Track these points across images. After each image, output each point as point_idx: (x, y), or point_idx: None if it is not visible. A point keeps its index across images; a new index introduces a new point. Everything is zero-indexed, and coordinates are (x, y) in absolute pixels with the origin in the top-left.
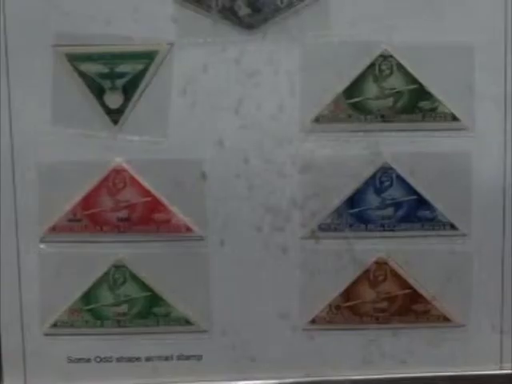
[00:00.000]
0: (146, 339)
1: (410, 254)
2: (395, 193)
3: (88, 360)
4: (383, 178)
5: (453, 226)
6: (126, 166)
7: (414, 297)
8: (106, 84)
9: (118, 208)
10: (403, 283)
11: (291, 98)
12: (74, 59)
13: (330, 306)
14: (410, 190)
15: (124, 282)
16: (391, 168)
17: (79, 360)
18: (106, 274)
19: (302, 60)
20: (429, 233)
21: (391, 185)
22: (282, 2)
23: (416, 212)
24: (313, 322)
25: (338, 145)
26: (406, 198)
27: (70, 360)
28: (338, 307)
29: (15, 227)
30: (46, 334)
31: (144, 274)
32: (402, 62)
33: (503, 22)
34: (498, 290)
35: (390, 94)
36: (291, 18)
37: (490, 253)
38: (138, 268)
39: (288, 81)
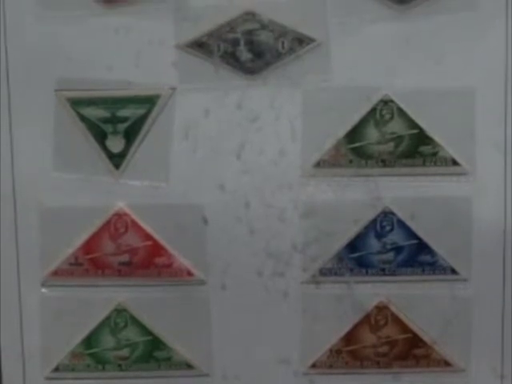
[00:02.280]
0: (148, 383)
1: (410, 298)
2: (396, 237)
3: None
4: (384, 222)
5: (453, 271)
6: (127, 210)
7: (415, 341)
8: (108, 128)
9: (119, 252)
10: (404, 327)
11: (292, 142)
12: (76, 104)
13: (330, 350)
14: (411, 234)
15: (125, 326)
16: (392, 212)
17: None
18: (108, 318)
19: (304, 105)
20: (429, 277)
21: (392, 229)
22: (283, 48)
23: (417, 256)
24: (313, 366)
25: (339, 189)
26: (407, 243)
27: None
28: (338, 351)
29: (17, 271)
30: (48, 378)
31: (145, 318)
32: (403, 106)
33: (504, 66)
34: (498, 334)
35: (390, 139)
36: (292, 63)
37: (491, 297)
38: (139, 312)
39: (289, 125)
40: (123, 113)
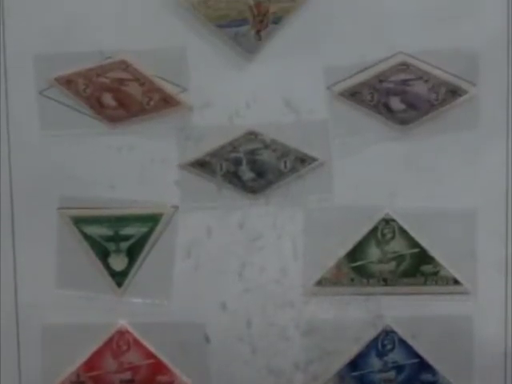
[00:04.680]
0: None
1: None
2: (397, 356)
3: None
4: (385, 341)
5: None
6: (129, 328)
7: None
8: (111, 247)
9: (121, 370)
10: None
11: (294, 261)
12: (79, 222)
13: None
14: (412, 353)
15: None
16: (393, 331)
17: None
18: None
19: (305, 224)
20: None
21: (393, 348)
22: (285, 167)
23: (418, 375)
24: None
25: (341, 308)
26: (408, 362)
27: None
28: None
29: None
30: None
31: None
32: (405, 226)
33: (504, 186)
34: None
35: (392, 258)
36: (294, 182)
37: None
38: None
39: (291, 244)
40: (126, 231)
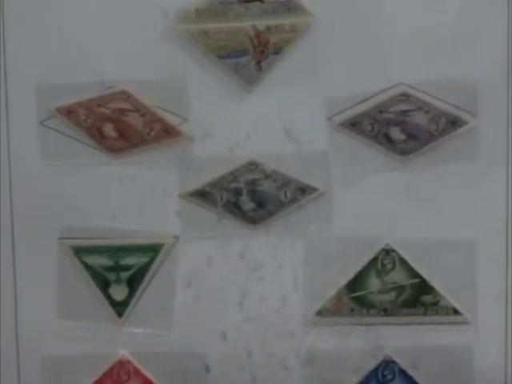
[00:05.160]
0: None
1: None
2: None
3: None
4: (385, 371)
5: None
6: (130, 357)
7: None
8: (111, 277)
9: None
10: None
11: (295, 291)
12: (80, 252)
13: None
14: (413, 383)
15: None
16: (393, 361)
17: None
18: None
19: (306, 254)
20: None
21: (393, 378)
22: (285, 197)
23: None
24: None
25: (341, 338)
26: None
27: None
28: None
29: None
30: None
31: None
32: (405, 256)
33: (504, 217)
34: None
35: (392, 288)
36: (295, 212)
37: None
38: None
39: (291, 274)
40: (127, 261)
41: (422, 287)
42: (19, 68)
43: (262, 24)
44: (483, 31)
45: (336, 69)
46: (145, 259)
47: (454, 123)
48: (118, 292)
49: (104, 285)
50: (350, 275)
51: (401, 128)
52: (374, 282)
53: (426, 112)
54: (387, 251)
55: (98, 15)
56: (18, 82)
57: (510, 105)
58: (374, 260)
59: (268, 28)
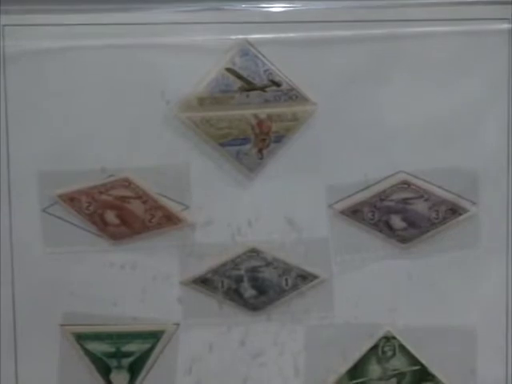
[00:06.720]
0: None
1: None
2: None
3: None
4: None
5: None
6: None
7: None
8: (112, 363)
9: None
10: None
11: (295, 378)
12: (81, 338)
13: None
14: None
15: None
16: None
17: None
18: None
19: (306, 340)
20: None
21: None
22: (286, 284)
23: None
24: None
25: None
26: None
27: None
28: None
29: None
30: None
31: None
32: (405, 343)
33: (504, 304)
34: None
35: (392, 375)
36: (295, 299)
37: None
38: None
39: (292, 361)
40: (128, 348)
41: (423, 374)
42: (22, 154)
43: (263, 112)
44: (483, 120)
45: (336, 157)
46: (146, 346)
47: (455, 211)
48: (120, 378)
49: (105, 371)
50: (351, 362)
51: (401, 216)
52: (374, 369)
53: (427, 200)
54: (388, 338)
55: (100, 103)
56: (21, 169)
57: (510, 193)
58: (375, 347)
59: (269, 116)
